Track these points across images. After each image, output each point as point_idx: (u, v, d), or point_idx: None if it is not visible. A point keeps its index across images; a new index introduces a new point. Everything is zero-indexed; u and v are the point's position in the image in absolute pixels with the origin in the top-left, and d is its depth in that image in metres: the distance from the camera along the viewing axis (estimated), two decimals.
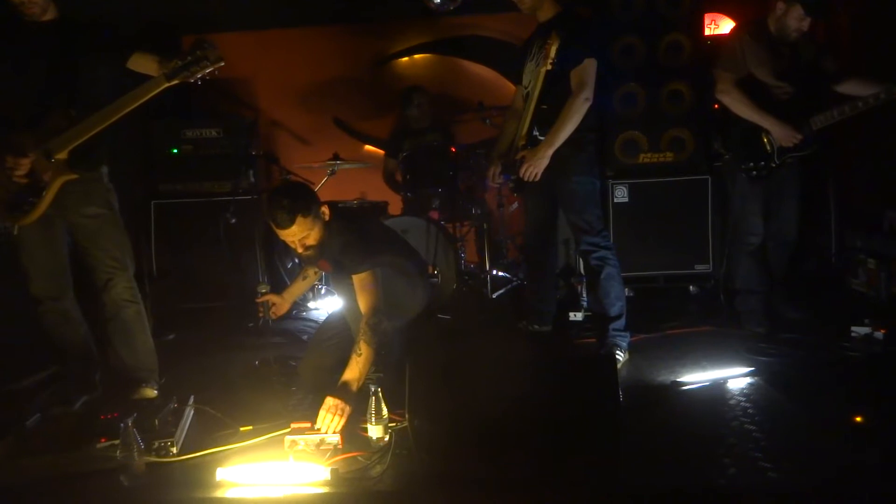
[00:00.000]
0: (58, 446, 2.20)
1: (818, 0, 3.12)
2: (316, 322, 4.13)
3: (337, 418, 2.27)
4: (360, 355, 2.47)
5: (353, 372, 2.44)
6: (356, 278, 2.60)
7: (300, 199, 2.48)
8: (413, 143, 4.58)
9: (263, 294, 3.00)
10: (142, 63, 2.59)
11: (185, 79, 2.42)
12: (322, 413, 2.28)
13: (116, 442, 2.05)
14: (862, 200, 4.14)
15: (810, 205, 3.50)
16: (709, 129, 3.95)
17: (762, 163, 3.24)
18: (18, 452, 2.19)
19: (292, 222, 2.45)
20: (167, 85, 2.45)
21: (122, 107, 2.47)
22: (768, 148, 3.23)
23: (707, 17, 4.51)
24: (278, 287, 4.51)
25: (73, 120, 2.50)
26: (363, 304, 2.58)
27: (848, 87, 3.21)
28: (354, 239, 2.64)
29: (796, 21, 3.14)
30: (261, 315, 2.81)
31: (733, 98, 3.25)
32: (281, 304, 3.01)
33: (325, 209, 2.59)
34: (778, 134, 3.18)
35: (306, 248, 2.56)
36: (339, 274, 2.75)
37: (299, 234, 2.50)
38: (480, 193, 4.56)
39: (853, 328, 3.16)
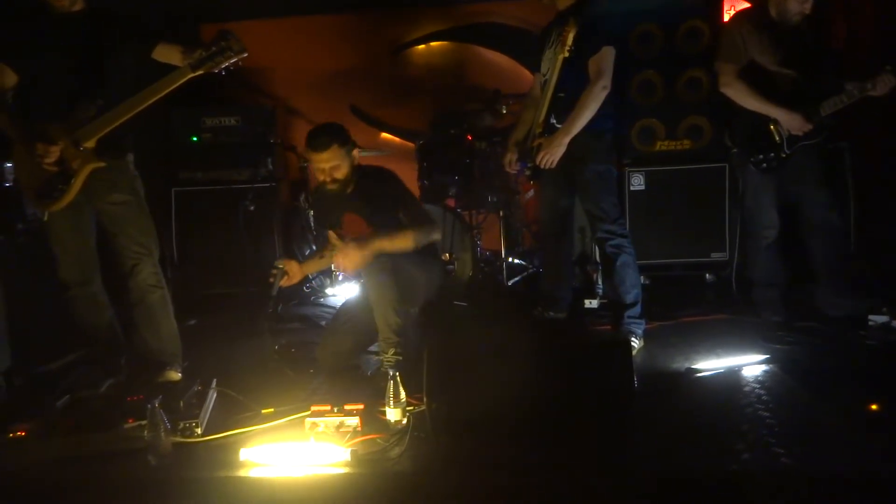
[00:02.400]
0: (87, 427, 2.25)
1: None
2: (333, 308, 4.18)
3: (355, 257, 2.64)
4: (404, 236, 2.74)
5: (385, 239, 2.72)
6: (407, 213, 2.81)
7: (339, 132, 2.79)
8: (426, 134, 4.59)
9: (281, 266, 2.97)
10: (166, 53, 2.64)
11: (210, 69, 2.46)
12: (340, 253, 2.66)
13: (143, 422, 2.11)
14: (881, 187, 4.09)
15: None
16: (725, 118, 3.92)
17: (771, 154, 3.18)
18: (49, 433, 2.25)
19: (328, 147, 2.72)
20: (192, 75, 2.49)
21: (149, 96, 2.52)
22: (776, 138, 3.16)
23: (726, 3, 4.46)
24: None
25: (101, 109, 2.55)
26: (411, 224, 2.80)
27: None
28: (394, 179, 2.91)
29: (797, 3, 3.07)
30: (271, 280, 2.87)
31: (737, 90, 3.19)
32: (294, 274, 2.98)
33: (356, 153, 2.83)
34: (787, 123, 3.11)
35: (334, 179, 2.78)
36: (372, 217, 2.85)
37: (331, 162, 2.74)
38: (498, 181, 4.56)
39: (870, 316, 3.14)
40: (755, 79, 3.17)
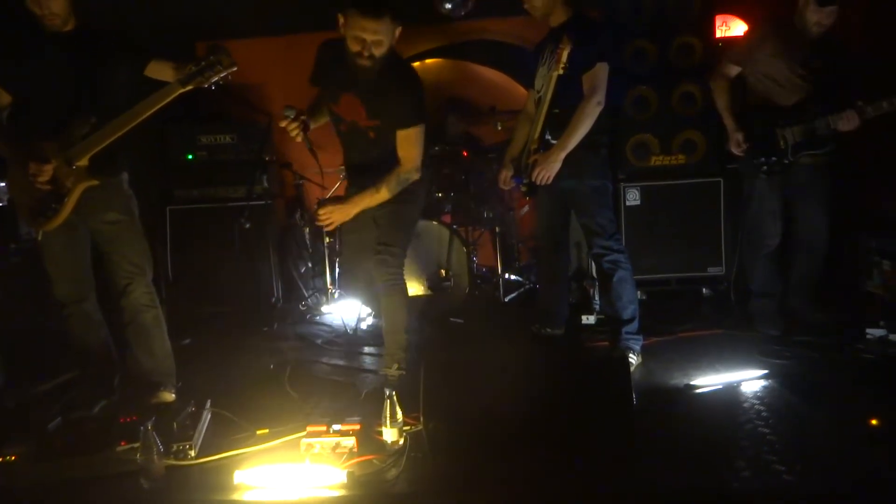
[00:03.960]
0: (78, 449, 2.22)
1: None
2: (329, 326, 4.17)
3: (337, 217, 2.69)
4: (376, 191, 2.71)
5: (362, 198, 2.73)
6: (406, 134, 2.69)
7: (395, 8, 2.54)
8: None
9: (291, 116, 2.72)
10: (159, 70, 2.64)
11: (200, 84, 2.45)
12: (323, 214, 2.69)
13: (136, 445, 2.08)
14: (877, 201, 4.11)
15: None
16: (721, 131, 3.94)
17: (773, 158, 3.23)
18: (40, 456, 2.22)
19: (382, 17, 2.47)
20: (182, 90, 2.48)
21: (139, 113, 2.51)
22: (782, 144, 3.21)
23: (718, 19, 4.49)
24: (290, 293, 4.59)
25: (94, 127, 2.54)
26: (406, 157, 2.71)
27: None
28: (415, 90, 2.72)
29: (814, 14, 3.09)
30: (294, 133, 2.70)
31: (715, 87, 3.39)
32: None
33: (398, 34, 2.58)
34: (731, 137, 3.28)
35: (371, 55, 2.53)
36: (374, 117, 2.74)
37: (378, 35, 2.49)
38: (493, 197, 4.57)
39: (868, 330, 3.14)
40: (766, 81, 3.26)
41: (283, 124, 2.74)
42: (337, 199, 2.80)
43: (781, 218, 3.32)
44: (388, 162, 2.76)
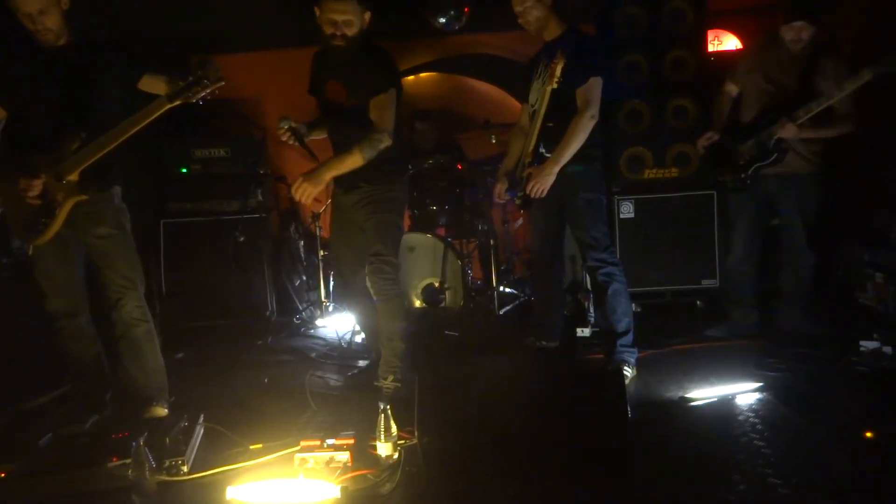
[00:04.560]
0: (70, 465, 2.20)
1: (800, 7, 3.11)
2: (323, 339, 4.15)
3: (307, 186, 2.63)
4: (349, 155, 2.73)
5: (333, 161, 2.75)
6: (377, 99, 2.80)
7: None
8: (417, 162, 4.63)
9: (286, 128, 2.87)
10: (152, 84, 2.65)
11: (187, 99, 2.47)
12: (295, 187, 2.65)
13: (128, 461, 2.06)
14: (869, 214, 4.13)
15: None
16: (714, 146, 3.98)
17: (731, 175, 3.36)
18: (31, 472, 2.19)
19: None
20: (169, 106, 2.49)
21: (128, 128, 2.52)
22: (741, 161, 3.30)
23: (710, 34, 4.54)
24: (285, 306, 4.57)
25: (84, 141, 2.54)
26: (378, 120, 2.79)
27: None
28: (384, 59, 2.88)
29: (787, 32, 3.16)
30: (290, 141, 2.87)
31: (717, 103, 3.50)
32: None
33: (368, 17, 2.81)
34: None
35: (343, 35, 2.76)
36: (352, 95, 2.86)
37: (346, 16, 2.73)
38: (487, 210, 4.58)
39: (862, 343, 3.15)
40: (744, 98, 3.36)
41: (278, 132, 2.89)
42: (310, 172, 2.75)
43: (753, 239, 3.43)
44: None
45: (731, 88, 3.47)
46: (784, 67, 3.24)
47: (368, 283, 2.94)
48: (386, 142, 2.78)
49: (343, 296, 3.20)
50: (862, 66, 2.86)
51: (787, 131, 3.10)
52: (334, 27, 2.75)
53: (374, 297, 2.94)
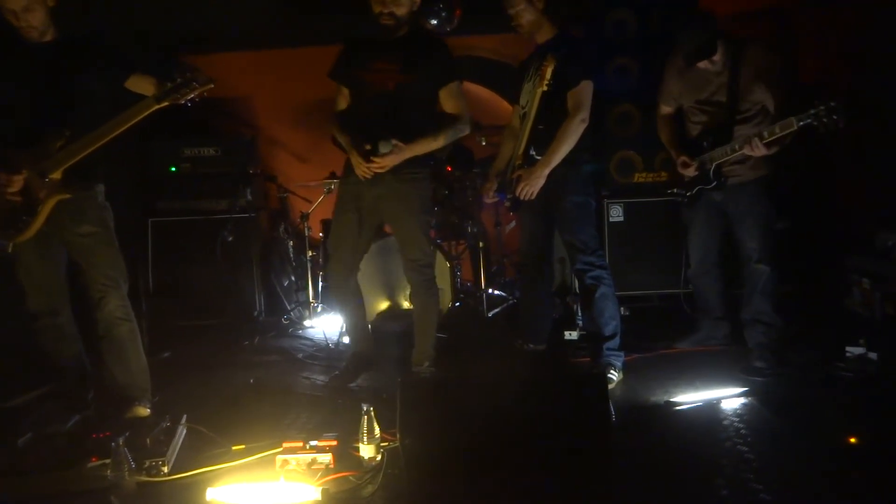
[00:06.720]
0: (49, 465, 2.18)
1: (695, 56, 3.01)
2: (311, 339, 4.14)
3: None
4: (434, 139, 2.86)
5: (418, 144, 2.83)
6: (451, 88, 2.92)
7: None
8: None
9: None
10: (140, 84, 2.63)
11: (175, 101, 2.46)
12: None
13: (107, 461, 2.05)
14: (855, 220, 4.15)
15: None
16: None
17: (677, 189, 3.35)
18: (10, 471, 2.17)
19: None
20: (157, 107, 2.48)
21: (114, 128, 2.50)
22: (686, 179, 3.27)
23: None
24: (273, 306, 4.55)
25: (68, 139, 2.52)
26: (457, 110, 2.93)
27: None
28: (448, 50, 2.95)
29: (700, 64, 3.05)
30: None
31: (658, 123, 3.40)
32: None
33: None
34: (677, 163, 3.26)
35: (392, 14, 2.77)
36: (409, 70, 2.84)
37: None
38: (477, 212, 4.57)
39: (847, 348, 3.15)
40: (688, 112, 3.28)
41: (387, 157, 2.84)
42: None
43: (709, 249, 3.36)
44: (405, 128, 2.86)
45: (667, 110, 3.36)
46: (711, 90, 3.11)
47: (407, 278, 3.08)
48: (467, 131, 2.92)
49: (333, 289, 3.16)
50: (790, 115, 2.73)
51: (757, 150, 2.87)
52: (382, 5, 2.75)
53: (412, 292, 3.11)
